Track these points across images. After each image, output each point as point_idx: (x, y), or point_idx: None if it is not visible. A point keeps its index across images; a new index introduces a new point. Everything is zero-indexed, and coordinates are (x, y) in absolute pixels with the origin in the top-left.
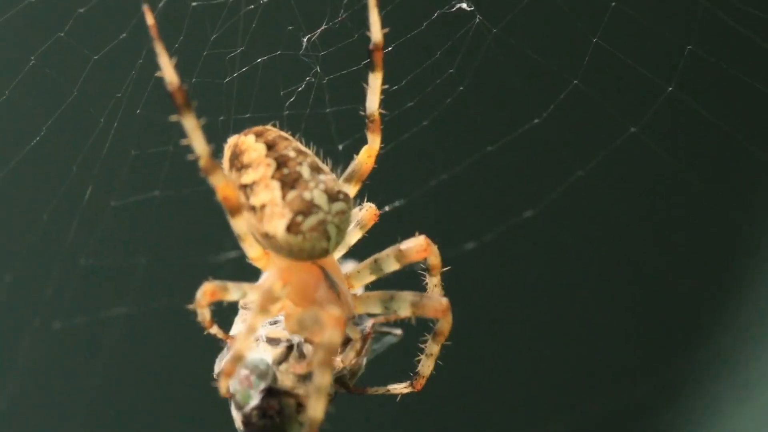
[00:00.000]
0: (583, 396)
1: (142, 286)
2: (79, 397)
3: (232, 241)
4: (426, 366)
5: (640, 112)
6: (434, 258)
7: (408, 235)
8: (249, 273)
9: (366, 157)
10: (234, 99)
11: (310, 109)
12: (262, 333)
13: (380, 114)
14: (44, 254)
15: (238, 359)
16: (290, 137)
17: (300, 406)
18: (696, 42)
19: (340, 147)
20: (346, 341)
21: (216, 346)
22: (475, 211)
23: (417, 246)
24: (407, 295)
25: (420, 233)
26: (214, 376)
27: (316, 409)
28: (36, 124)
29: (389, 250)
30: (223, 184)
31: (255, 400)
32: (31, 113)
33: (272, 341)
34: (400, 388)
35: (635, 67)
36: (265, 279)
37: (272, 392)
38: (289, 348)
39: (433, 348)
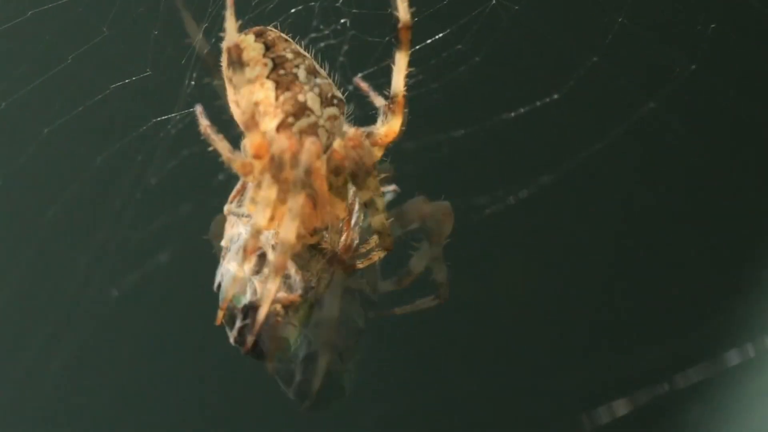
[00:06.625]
0: (592, 362)
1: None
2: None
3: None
4: (438, 271)
5: (660, 91)
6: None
7: None
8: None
9: (383, 135)
10: None
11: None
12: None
13: (404, 95)
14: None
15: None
16: (290, 39)
17: (286, 309)
18: (719, 20)
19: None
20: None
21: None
22: (488, 181)
23: (443, 208)
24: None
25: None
26: (214, 290)
27: (288, 230)
28: (52, 104)
29: (410, 204)
30: (258, 139)
31: (239, 321)
32: (43, 90)
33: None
34: (427, 302)
35: (658, 45)
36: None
37: (254, 307)
38: (261, 256)
39: (429, 251)
